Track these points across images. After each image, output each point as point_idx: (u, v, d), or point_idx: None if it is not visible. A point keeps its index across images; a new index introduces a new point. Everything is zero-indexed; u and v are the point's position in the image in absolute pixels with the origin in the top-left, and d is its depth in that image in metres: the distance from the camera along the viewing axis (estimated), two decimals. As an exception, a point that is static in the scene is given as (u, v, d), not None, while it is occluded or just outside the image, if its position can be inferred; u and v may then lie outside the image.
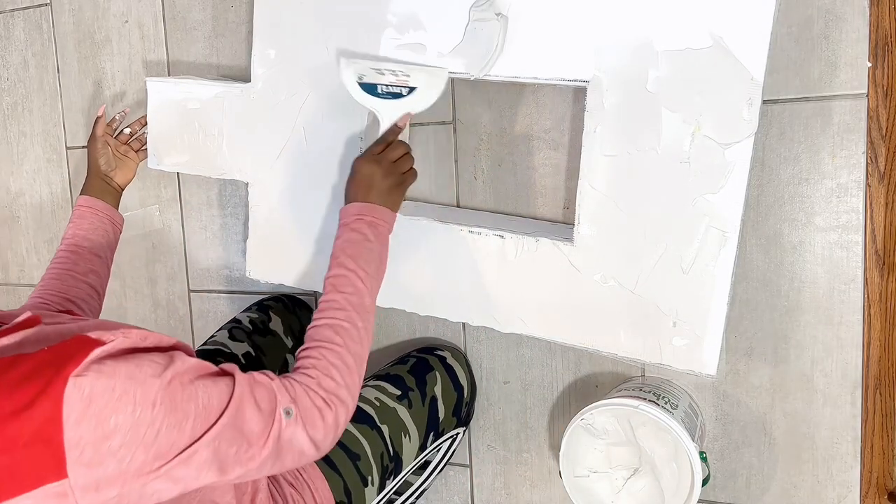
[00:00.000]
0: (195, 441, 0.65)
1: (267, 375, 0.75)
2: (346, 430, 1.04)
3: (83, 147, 1.59)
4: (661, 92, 0.94)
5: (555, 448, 1.24)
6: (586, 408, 1.04)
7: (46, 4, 1.58)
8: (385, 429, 1.08)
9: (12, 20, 1.63)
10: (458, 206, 1.25)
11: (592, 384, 1.20)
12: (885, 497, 1.05)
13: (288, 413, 0.73)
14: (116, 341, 0.63)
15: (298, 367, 0.80)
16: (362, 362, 0.83)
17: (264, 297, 1.36)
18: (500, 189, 1.21)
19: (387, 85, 1.03)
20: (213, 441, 0.66)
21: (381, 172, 0.94)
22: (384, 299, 1.19)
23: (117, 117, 1.27)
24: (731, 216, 0.93)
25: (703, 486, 0.99)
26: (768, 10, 0.88)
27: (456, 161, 1.24)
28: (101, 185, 1.16)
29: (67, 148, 1.61)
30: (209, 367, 0.70)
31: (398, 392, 1.13)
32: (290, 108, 1.21)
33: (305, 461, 0.76)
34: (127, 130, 1.27)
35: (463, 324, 1.28)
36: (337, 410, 0.77)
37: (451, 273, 1.12)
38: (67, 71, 1.58)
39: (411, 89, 1.02)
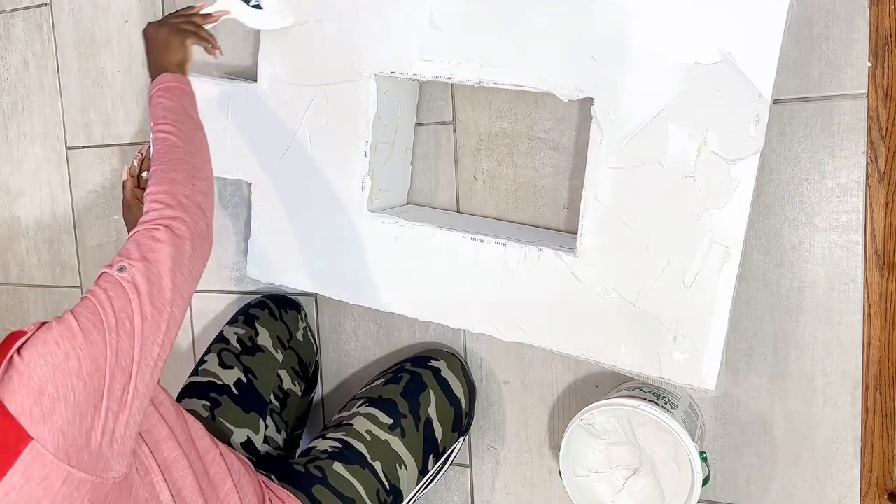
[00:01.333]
0: (108, 343, 0.73)
1: (99, 278, 0.80)
2: (337, 475, 1.06)
3: (83, 147, 1.59)
4: (668, 106, 0.94)
5: (555, 448, 1.24)
6: (586, 408, 1.04)
7: (46, 4, 1.58)
8: (378, 465, 1.08)
9: (12, 20, 1.63)
10: (458, 207, 1.25)
11: (592, 384, 1.20)
12: (885, 497, 1.05)
13: (121, 269, 0.79)
14: (32, 328, 0.73)
15: None
16: (190, 167, 0.91)
17: (250, 302, 1.33)
18: (501, 189, 1.21)
19: None
20: (116, 329, 0.74)
21: (159, 27, 1.07)
22: (386, 304, 1.19)
23: (135, 163, 1.26)
24: (734, 232, 0.93)
25: (703, 486, 0.99)
26: (778, 27, 0.88)
27: (456, 161, 1.24)
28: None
29: (67, 148, 1.61)
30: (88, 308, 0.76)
31: (390, 421, 1.12)
32: (295, 108, 1.21)
33: (186, 275, 0.83)
34: (145, 175, 1.26)
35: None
36: (171, 224, 0.83)
37: (452, 280, 1.12)
38: (67, 71, 1.58)
39: (257, 6, 1.16)
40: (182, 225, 0.84)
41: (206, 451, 0.93)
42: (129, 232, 1.18)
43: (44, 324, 0.74)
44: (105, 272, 0.79)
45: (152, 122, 0.97)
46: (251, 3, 1.16)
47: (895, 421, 1.04)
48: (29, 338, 0.72)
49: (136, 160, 1.25)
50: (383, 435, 1.11)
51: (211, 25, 1.14)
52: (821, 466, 1.08)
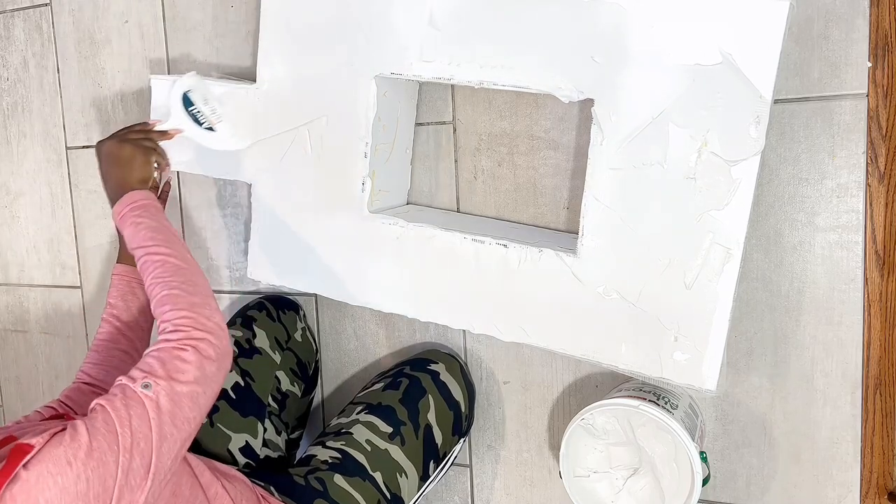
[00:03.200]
0: (120, 464, 0.73)
1: (118, 389, 0.80)
2: (338, 487, 1.06)
3: (84, 147, 1.59)
4: (669, 107, 0.94)
5: (555, 448, 1.24)
6: (586, 408, 1.04)
7: (46, 4, 1.58)
8: (378, 476, 1.08)
9: (12, 20, 1.63)
10: (458, 207, 1.25)
11: (592, 384, 1.20)
12: (885, 497, 1.05)
13: (146, 386, 0.79)
14: (40, 440, 0.71)
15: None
16: (202, 289, 0.93)
17: (248, 304, 1.33)
18: (501, 189, 1.21)
19: (199, 111, 1.21)
20: (131, 449, 0.74)
21: (121, 143, 1.08)
22: (386, 304, 1.19)
23: None
24: (735, 233, 0.93)
25: (703, 486, 0.99)
26: (779, 28, 0.88)
27: (456, 161, 1.24)
28: (131, 257, 1.21)
29: (67, 148, 1.61)
30: (94, 427, 0.75)
31: (390, 429, 1.12)
32: (295, 109, 1.21)
33: (208, 393, 0.83)
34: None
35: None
36: (198, 346, 0.84)
37: (452, 280, 1.12)
38: (67, 71, 1.58)
39: (210, 129, 1.21)
40: (209, 347, 0.85)
41: (209, 486, 0.93)
42: (120, 238, 1.21)
43: (54, 435, 0.72)
44: (127, 385, 0.79)
45: (136, 244, 0.99)
46: (203, 126, 1.21)
47: (895, 421, 1.04)
48: (38, 451, 0.70)
49: None
50: (383, 444, 1.11)
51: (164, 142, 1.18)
52: (821, 466, 1.08)
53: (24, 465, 0.69)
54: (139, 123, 1.17)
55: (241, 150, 1.27)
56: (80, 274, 1.64)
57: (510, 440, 1.28)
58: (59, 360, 1.73)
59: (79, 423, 0.74)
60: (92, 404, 0.78)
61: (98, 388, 1.08)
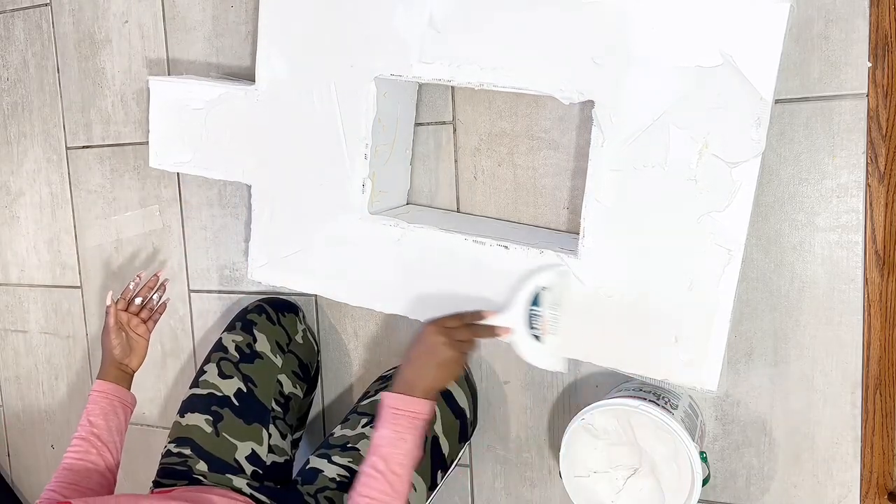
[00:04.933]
0: None
1: None
2: None
3: (83, 147, 1.59)
4: (670, 109, 0.94)
5: (555, 448, 1.24)
6: (586, 408, 1.04)
7: (46, 4, 1.58)
8: None
9: (12, 20, 1.63)
10: (458, 207, 1.25)
11: (592, 384, 1.20)
12: (885, 497, 1.05)
13: None
14: None
15: None
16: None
17: (247, 307, 1.32)
18: (501, 189, 1.21)
19: (539, 315, 1.02)
20: None
21: (447, 345, 0.95)
22: (386, 305, 1.19)
23: (131, 286, 1.29)
24: (735, 234, 0.93)
25: (703, 486, 1.00)
26: (779, 29, 0.88)
27: (456, 161, 1.24)
28: (116, 373, 1.22)
29: (67, 148, 1.61)
30: None
31: None
32: (294, 109, 1.21)
33: None
34: (138, 301, 1.28)
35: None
36: None
37: (453, 281, 1.12)
38: (67, 71, 1.58)
39: (537, 337, 1.02)
40: None
41: None
42: (104, 353, 1.23)
43: None
44: None
45: (385, 453, 0.93)
46: (533, 331, 1.02)
47: (895, 421, 1.04)
48: None
49: (132, 284, 1.28)
50: None
51: None
52: (821, 466, 1.08)
53: None
54: (472, 314, 1.00)
55: (241, 152, 1.27)
56: (80, 274, 1.64)
57: (510, 440, 1.28)
58: (59, 360, 1.73)
59: None
60: None
61: None
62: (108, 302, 1.25)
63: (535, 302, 1.02)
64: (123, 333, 1.24)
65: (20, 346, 1.78)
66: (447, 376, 0.96)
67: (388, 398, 0.95)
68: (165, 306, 1.32)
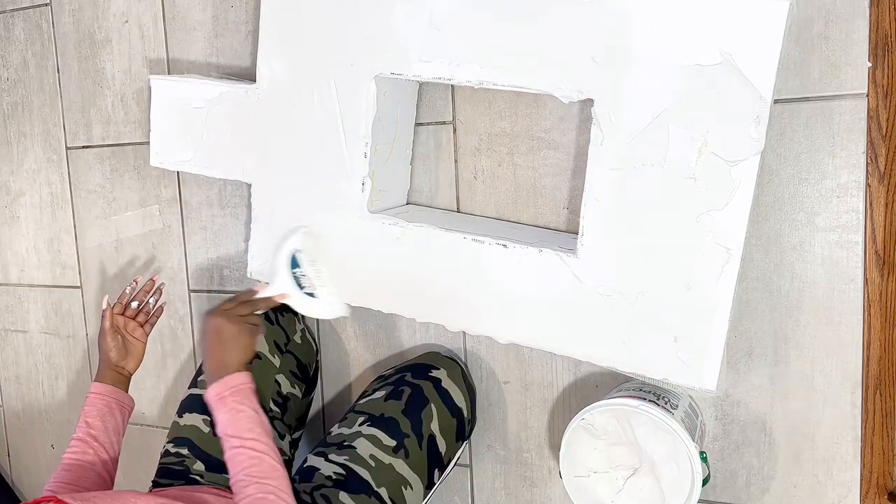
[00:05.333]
0: None
1: None
2: None
3: (83, 147, 1.59)
4: (669, 108, 0.94)
5: (555, 448, 1.24)
6: (586, 408, 1.04)
7: (46, 4, 1.58)
8: (384, 491, 1.08)
9: (12, 20, 1.63)
10: (458, 207, 1.25)
11: (592, 384, 1.20)
12: (885, 497, 1.05)
13: None
14: None
15: None
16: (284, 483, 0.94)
17: None
18: (501, 189, 1.21)
19: (304, 274, 1.14)
20: None
21: (229, 323, 1.02)
22: (386, 305, 1.19)
23: (128, 290, 1.29)
24: (735, 233, 0.93)
25: (703, 486, 0.99)
26: (778, 28, 0.88)
27: (456, 161, 1.24)
28: (112, 376, 1.23)
29: (67, 148, 1.61)
30: None
31: (393, 443, 1.12)
32: (294, 109, 1.21)
33: None
34: (134, 304, 1.29)
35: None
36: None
37: (451, 281, 1.12)
38: (67, 71, 1.58)
39: (311, 294, 1.14)
40: None
41: None
42: (101, 356, 1.24)
43: None
44: None
45: (232, 431, 0.96)
46: (305, 290, 1.14)
47: (895, 421, 1.04)
48: None
49: (128, 288, 1.29)
50: (387, 459, 1.10)
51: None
52: (821, 466, 1.08)
53: None
54: (245, 292, 1.10)
55: (241, 151, 1.27)
56: (80, 274, 1.64)
57: (510, 440, 1.28)
58: (59, 360, 1.73)
59: None
60: None
61: None
62: (105, 306, 1.26)
63: (295, 265, 1.14)
64: (119, 337, 1.25)
65: (20, 346, 1.78)
66: (245, 346, 1.02)
67: (208, 393, 0.99)
68: (162, 310, 1.32)
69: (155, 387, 1.59)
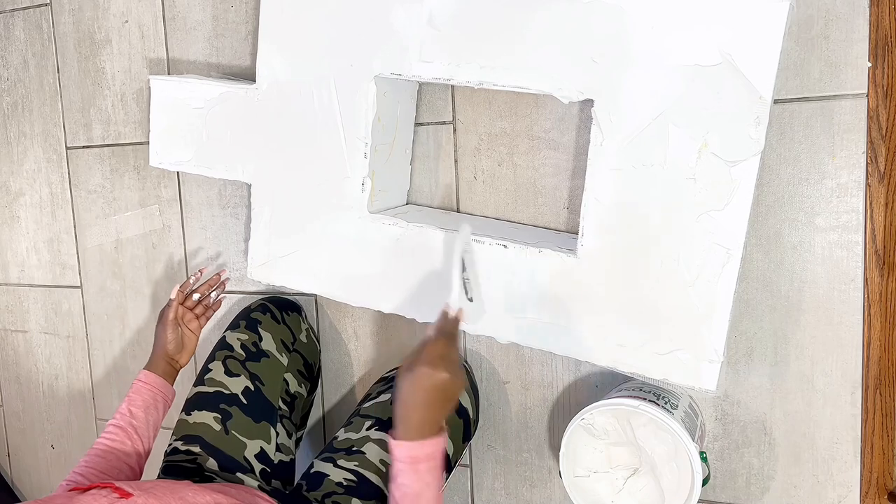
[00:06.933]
0: None
1: None
2: None
3: (83, 147, 1.59)
4: (669, 108, 0.94)
5: (555, 448, 1.24)
6: (586, 408, 1.04)
7: (46, 4, 1.58)
8: None
9: (12, 20, 1.63)
10: (458, 207, 1.25)
11: (592, 384, 1.20)
12: (885, 497, 1.05)
13: None
14: None
15: None
16: None
17: (250, 306, 1.31)
18: (501, 189, 1.21)
19: (468, 279, 0.98)
20: None
21: (452, 377, 0.86)
22: (386, 304, 1.19)
23: (192, 280, 1.29)
24: (735, 233, 0.93)
25: (703, 486, 0.99)
26: (778, 28, 0.88)
27: (456, 161, 1.24)
28: (164, 367, 1.22)
29: (67, 148, 1.61)
30: None
31: None
32: (294, 109, 1.21)
33: None
34: (196, 296, 1.29)
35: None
36: None
37: (451, 281, 1.11)
38: (67, 71, 1.58)
39: (471, 299, 1.01)
40: None
41: None
42: (156, 346, 1.22)
43: None
44: None
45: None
46: (468, 296, 0.99)
47: (895, 421, 1.04)
48: None
49: (192, 278, 1.30)
50: None
51: None
52: (821, 466, 1.08)
53: None
54: (445, 321, 0.92)
55: (241, 151, 1.27)
56: (80, 274, 1.64)
57: (510, 440, 1.28)
58: (59, 360, 1.73)
59: None
60: None
61: None
62: (173, 295, 1.25)
63: (463, 269, 0.98)
64: (179, 331, 1.25)
65: (20, 346, 1.78)
66: (457, 396, 0.89)
67: (399, 449, 0.87)
68: (220, 304, 1.31)
69: (155, 387, 1.59)
